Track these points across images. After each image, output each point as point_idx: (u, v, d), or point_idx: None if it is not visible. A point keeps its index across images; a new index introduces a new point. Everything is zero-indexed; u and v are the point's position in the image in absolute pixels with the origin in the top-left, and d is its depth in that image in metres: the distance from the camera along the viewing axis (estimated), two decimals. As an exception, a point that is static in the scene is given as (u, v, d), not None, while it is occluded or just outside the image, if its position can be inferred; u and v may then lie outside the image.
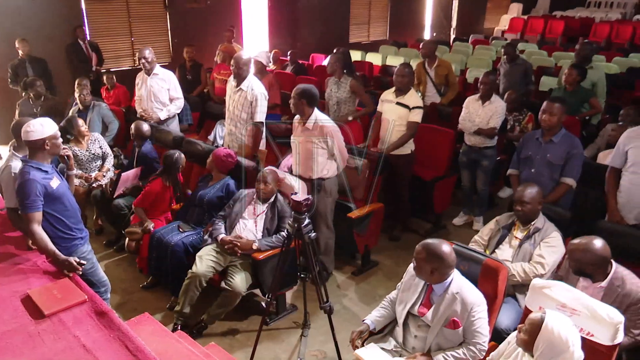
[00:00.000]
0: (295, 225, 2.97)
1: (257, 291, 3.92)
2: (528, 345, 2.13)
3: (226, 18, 9.42)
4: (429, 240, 2.60)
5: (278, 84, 6.20)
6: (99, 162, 4.98)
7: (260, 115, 4.57)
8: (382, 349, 2.72)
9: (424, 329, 2.65)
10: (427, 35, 13.88)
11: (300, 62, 8.81)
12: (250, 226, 3.70)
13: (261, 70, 5.84)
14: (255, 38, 10.26)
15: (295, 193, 3.03)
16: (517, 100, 5.41)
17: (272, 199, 3.73)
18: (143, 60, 5.29)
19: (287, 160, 4.39)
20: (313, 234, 3.04)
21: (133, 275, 4.35)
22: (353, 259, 4.60)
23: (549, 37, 12.88)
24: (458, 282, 2.61)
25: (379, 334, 2.84)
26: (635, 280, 2.68)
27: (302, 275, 3.33)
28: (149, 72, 5.36)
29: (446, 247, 2.55)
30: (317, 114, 3.84)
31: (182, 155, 4.29)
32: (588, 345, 2.41)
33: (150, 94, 5.39)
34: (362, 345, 2.76)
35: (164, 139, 4.99)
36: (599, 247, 2.63)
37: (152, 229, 3.99)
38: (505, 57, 6.45)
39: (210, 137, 5.81)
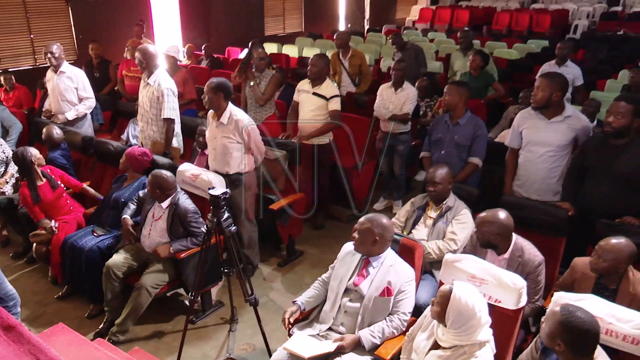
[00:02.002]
0: (215, 220, 2.95)
1: (182, 290, 3.85)
2: (440, 316, 2.25)
3: (135, 12, 9.03)
4: (371, 214, 2.80)
5: (193, 79, 6.05)
6: (1, 169, 4.64)
7: (169, 112, 4.39)
8: (309, 335, 2.77)
9: (356, 301, 2.74)
10: (341, 26, 14.08)
11: (216, 56, 8.66)
12: (152, 232, 3.57)
13: (173, 66, 5.68)
14: (167, 32, 9.92)
15: (213, 188, 2.99)
16: (427, 87, 5.65)
17: (168, 202, 3.53)
18: (49, 56, 5.00)
19: (201, 157, 4.32)
20: (233, 228, 3.03)
21: (47, 287, 4.10)
22: (278, 250, 4.62)
23: (456, 25, 13.49)
24: (392, 257, 2.80)
25: (303, 320, 2.89)
26: (533, 249, 2.89)
27: (225, 270, 3.31)
28: (55, 69, 5.08)
29: (387, 219, 2.79)
30: (231, 108, 3.79)
31: (30, 150, 3.95)
32: (497, 311, 2.59)
33: (56, 93, 5.10)
34: (293, 324, 2.80)
35: (71, 140, 4.73)
36: (503, 218, 2.83)
37: (56, 228, 3.80)
38: (394, 46, 6.83)
39: (124, 137, 5.58)
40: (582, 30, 12.80)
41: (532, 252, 2.88)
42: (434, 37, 10.94)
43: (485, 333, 2.27)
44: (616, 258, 2.59)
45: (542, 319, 2.17)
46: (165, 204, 3.52)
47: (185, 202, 3.54)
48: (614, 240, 2.62)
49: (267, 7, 11.80)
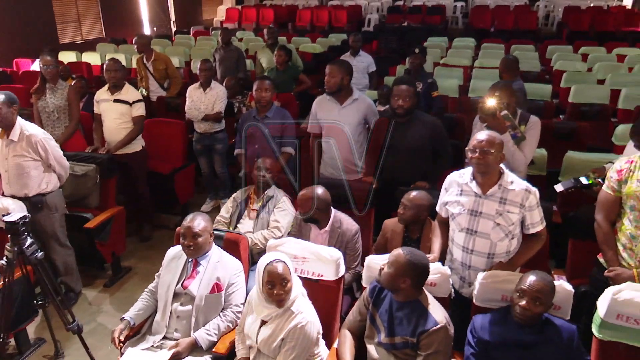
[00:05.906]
0: (16, 248, 2.65)
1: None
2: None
3: None
4: (190, 215, 2.78)
5: (-28, 97, 5.27)
6: None
7: None
8: (142, 350, 2.67)
9: (187, 304, 2.71)
10: (147, 29, 13.50)
11: (2, 69, 7.69)
12: None
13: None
14: None
15: (8, 213, 2.68)
16: (235, 85, 5.75)
17: None
18: None
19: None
20: (40, 254, 2.76)
21: None
22: (102, 271, 4.30)
23: (263, 24, 13.88)
24: (218, 253, 2.83)
25: (135, 336, 2.77)
26: (349, 220, 3.18)
27: (39, 303, 3.00)
28: None
29: (206, 217, 2.81)
30: (21, 124, 3.40)
31: None
32: (321, 284, 2.79)
33: None
34: (124, 342, 2.67)
35: None
36: (320, 193, 3.07)
37: None
38: (221, 41, 6.78)
39: None
40: (374, 24, 14.15)
41: (349, 223, 3.16)
42: (242, 36, 11.11)
43: (296, 288, 2.47)
44: (418, 206, 2.99)
45: (381, 266, 2.40)
46: None
47: None
48: (415, 193, 3.04)
49: (58, 12, 10.75)
